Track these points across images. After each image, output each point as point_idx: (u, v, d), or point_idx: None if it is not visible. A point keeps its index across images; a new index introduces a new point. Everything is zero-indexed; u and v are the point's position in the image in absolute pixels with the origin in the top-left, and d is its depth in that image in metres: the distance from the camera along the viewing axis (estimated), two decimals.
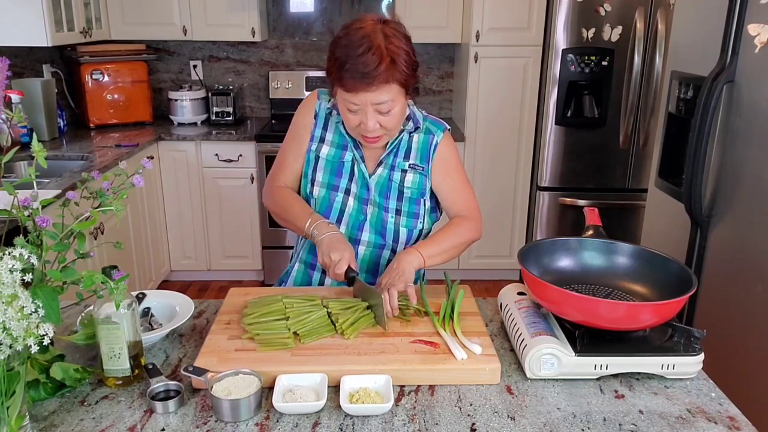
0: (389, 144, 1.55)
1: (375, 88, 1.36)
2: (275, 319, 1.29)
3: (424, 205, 1.59)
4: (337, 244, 1.42)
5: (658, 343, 1.20)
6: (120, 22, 3.69)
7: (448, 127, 1.62)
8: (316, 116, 1.59)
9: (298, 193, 1.61)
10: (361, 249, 1.58)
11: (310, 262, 1.64)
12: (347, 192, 1.56)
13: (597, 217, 1.48)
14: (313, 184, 1.57)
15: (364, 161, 1.56)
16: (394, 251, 1.60)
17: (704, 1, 2.10)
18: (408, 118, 1.56)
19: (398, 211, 1.56)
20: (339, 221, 1.56)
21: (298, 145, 1.59)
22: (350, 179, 1.56)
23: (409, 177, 1.57)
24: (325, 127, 1.58)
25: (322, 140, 1.58)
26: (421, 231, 1.60)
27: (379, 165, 1.56)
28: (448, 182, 1.60)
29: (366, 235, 1.57)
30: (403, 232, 1.57)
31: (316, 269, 1.63)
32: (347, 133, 1.56)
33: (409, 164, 1.57)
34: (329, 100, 1.58)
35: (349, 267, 1.40)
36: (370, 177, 1.56)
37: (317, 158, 1.57)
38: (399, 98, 1.41)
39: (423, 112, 1.62)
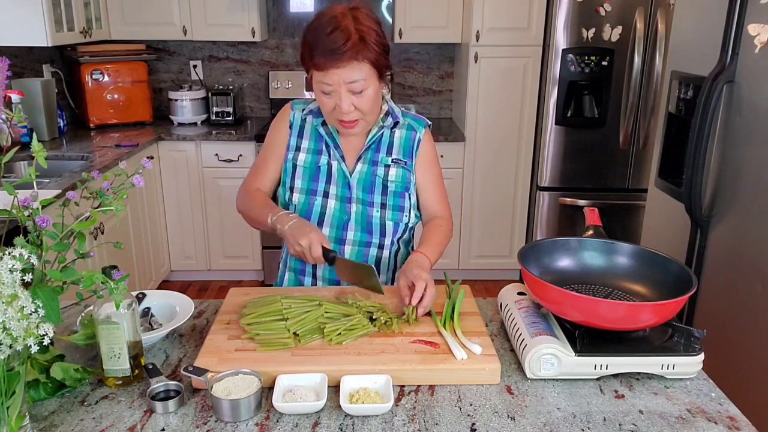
0: (368, 139, 1.57)
1: (345, 65, 1.38)
2: (274, 320, 1.29)
3: (409, 199, 1.60)
4: (301, 229, 1.43)
5: (658, 343, 1.20)
6: (120, 22, 3.70)
7: (429, 123, 1.65)
8: (291, 126, 1.61)
9: (275, 200, 1.63)
10: (348, 248, 1.59)
11: (300, 268, 1.65)
12: (326, 195, 1.57)
13: (597, 217, 1.48)
14: (292, 191, 1.58)
15: (344, 160, 1.57)
16: (382, 247, 1.61)
17: (704, 1, 2.10)
18: (387, 114, 1.58)
19: (383, 205, 1.58)
20: (321, 223, 1.57)
21: (274, 155, 1.62)
22: (328, 182, 1.57)
23: (393, 171, 1.58)
24: (300, 136, 1.60)
25: (298, 149, 1.60)
26: (407, 225, 1.62)
27: (358, 161, 1.57)
28: (429, 180, 1.63)
29: (351, 234, 1.58)
30: (389, 226, 1.59)
31: (306, 274, 1.64)
32: (326, 133, 1.57)
33: (392, 159, 1.59)
34: (303, 110, 1.61)
35: (324, 247, 1.41)
36: (350, 175, 1.57)
37: (294, 166, 1.59)
38: (371, 79, 1.43)
39: (402, 108, 1.64)
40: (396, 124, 1.60)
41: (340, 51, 1.36)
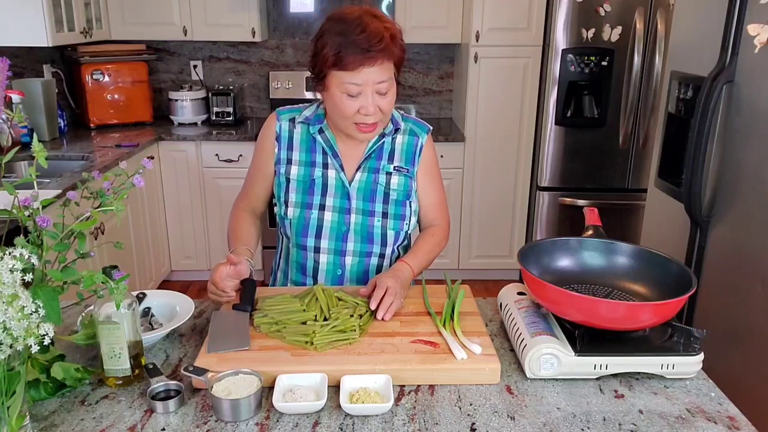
0: (368, 147, 1.54)
1: (379, 63, 1.37)
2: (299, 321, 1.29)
3: (410, 206, 1.58)
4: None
5: (658, 343, 1.20)
6: (120, 22, 3.70)
7: (431, 127, 1.63)
8: (278, 138, 1.57)
9: (273, 215, 1.62)
10: (348, 259, 1.56)
11: (300, 281, 1.61)
12: (322, 207, 1.54)
13: (597, 217, 1.48)
14: (287, 206, 1.56)
15: (343, 170, 1.54)
16: (382, 256, 1.58)
17: (704, 1, 2.10)
18: (389, 120, 1.55)
19: (384, 214, 1.55)
20: (319, 236, 1.54)
21: (260, 171, 1.61)
22: (323, 194, 1.54)
23: (395, 179, 1.56)
24: (290, 148, 1.56)
25: (289, 161, 1.56)
26: (406, 233, 1.60)
27: (358, 170, 1.55)
28: (430, 187, 1.61)
29: (351, 245, 1.55)
30: (390, 235, 1.56)
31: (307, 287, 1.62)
32: (324, 141, 1.54)
33: (394, 166, 1.56)
34: (292, 119, 1.57)
35: (244, 295, 1.37)
36: (350, 184, 1.54)
37: (288, 180, 1.56)
38: (393, 80, 1.44)
39: (401, 112, 1.61)
40: (397, 130, 1.57)
41: (375, 49, 1.35)
